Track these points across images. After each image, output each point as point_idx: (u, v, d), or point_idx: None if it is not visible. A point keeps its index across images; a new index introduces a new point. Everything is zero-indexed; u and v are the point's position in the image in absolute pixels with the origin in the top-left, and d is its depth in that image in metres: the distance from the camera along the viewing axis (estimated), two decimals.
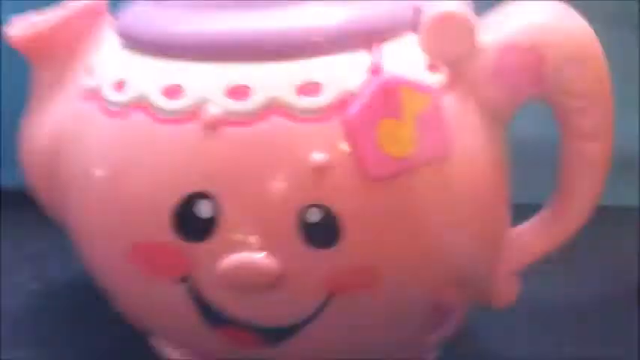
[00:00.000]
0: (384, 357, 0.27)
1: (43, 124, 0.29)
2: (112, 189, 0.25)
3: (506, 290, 0.28)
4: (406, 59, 0.24)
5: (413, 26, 0.25)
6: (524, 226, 0.28)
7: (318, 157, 0.23)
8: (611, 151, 0.26)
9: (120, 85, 0.25)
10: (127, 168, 0.25)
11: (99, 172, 0.25)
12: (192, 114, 0.24)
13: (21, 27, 0.28)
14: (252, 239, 0.23)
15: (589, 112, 0.25)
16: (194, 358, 0.28)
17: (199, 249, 0.24)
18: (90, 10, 0.28)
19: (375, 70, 0.23)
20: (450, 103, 0.24)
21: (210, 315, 0.25)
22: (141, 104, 0.24)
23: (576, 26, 0.25)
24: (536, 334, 0.32)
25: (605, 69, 0.25)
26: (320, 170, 0.23)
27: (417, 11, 0.25)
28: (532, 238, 0.28)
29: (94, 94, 0.26)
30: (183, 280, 0.24)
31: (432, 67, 0.25)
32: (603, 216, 0.28)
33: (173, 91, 0.24)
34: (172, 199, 0.24)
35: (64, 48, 0.28)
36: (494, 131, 0.26)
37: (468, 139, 0.25)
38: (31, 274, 0.36)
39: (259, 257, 0.23)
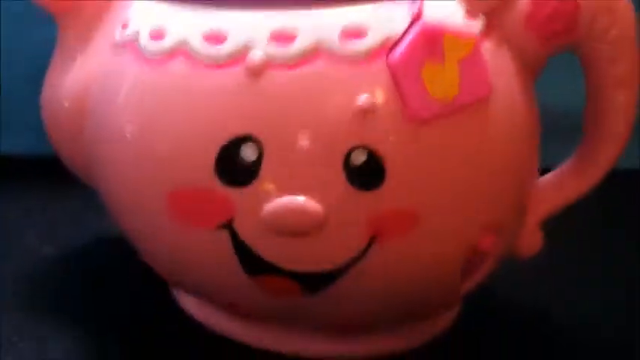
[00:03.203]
0: (419, 306, 0.27)
1: (69, 83, 0.29)
2: (151, 137, 0.25)
3: (532, 241, 0.29)
4: (444, 7, 0.25)
5: None
6: (548, 177, 0.29)
7: (362, 99, 0.23)
8: (637, 99, 0.27)
9: (158, 34, 0.25)
10: (166, 115, 0.25)
11: (136, 122, 0.25)
12: (235, 59, 0.24)
13: None
14: (297, 182, 0.24)
15: (619, 59, 0.26)
16: (223, 312, 0.29)
17: (243, 194, 0.24)
18: None
19: (417, 16, 0.24)
20: (487, 50, 0.25)
21: (251, 263, 0.25)
22: (182, 51, 0.24)
23: None
24: (556, 288, 0.33)
25: (633, 20, 0.26)
26: (364, 112, 0.23)
27: None
28: (557, 188, 0.29)
29: (127, 46, 0.26)
30: (224, 227, 0.25)
31: (469, 15, 0.25)
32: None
33: (216, 37, 0.24)
34: (216, 143, 0.24)
35: (90, 4, 0.28)
36: (528, 80, 0.26)
37: (504, 85, 0.25)
38: (43, 238, 0.35)
39: (304, 200, 0.24)
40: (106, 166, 0.27)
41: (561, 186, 0.29)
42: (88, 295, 0.32)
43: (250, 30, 0.24)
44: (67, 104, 0.28)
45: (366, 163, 0.23)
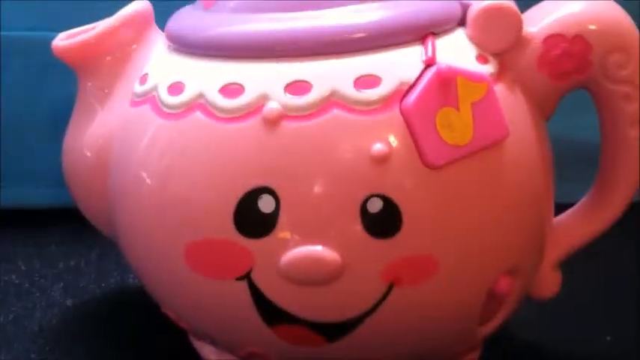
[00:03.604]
0: (439, 351, 0.27)
1: (90, 135, 0.29)
2: (169, 190, 0.25)
3: (550, 281, 0.29)
4: (457, 51, 0.25)
5: (461, 21, 0.26)
6: (564, 217, 0.29)
7: (378, 147, 0.23)
8: None
9: (176, 87, 0.25)
10: (185, 167, 0.25)
11: (155, 175, 0.26)
12: (252, 111, 0.24)
13: (66, 37, 0.29)
14: (314, 232, 0.24)
15: (632, 98, 0.26)
16: None
17: (261, 245, 0.24)
18: (136, 18, 0.28)
19: (430, 62, 0.24)
20: (500, 92, 0.25)
21: (270, 313, 0.25)
22: (199, 104, 0.25)
23: (618, 15, 0.26)
24: (578, 329, 0.32)
25: None
26: (380, 161, 0.23)
27: (465, 7, 0.26)
28: (574, 227, 0.29)
29: (146, 99, 0.26)
30: (243, 278, 0.25)
31: (481, 59, 0.25)
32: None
33: (232, 90, 0.24)
34: (235, 195, 0.24)
35: (110, 57, 0.28)
36: (540, 120, 0.27)
37: (518, 127, 0.25)
38: (65, 290, 0.36)
39: (322, 250, 0.24)
40: (126, 218, 0.27)
41: (578, 226, 0.28)
42: (109, 346, 0.32)
43: (266, 81, 0.24)
44: (89, 154, 0.29)
45: (382, 211, 0.24)
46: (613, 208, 0.28)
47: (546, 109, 0.27)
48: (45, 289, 0.36)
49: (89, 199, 0.30)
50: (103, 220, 0.29)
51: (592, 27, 0.25)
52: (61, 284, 0.36)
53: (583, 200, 0.29)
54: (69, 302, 0.35)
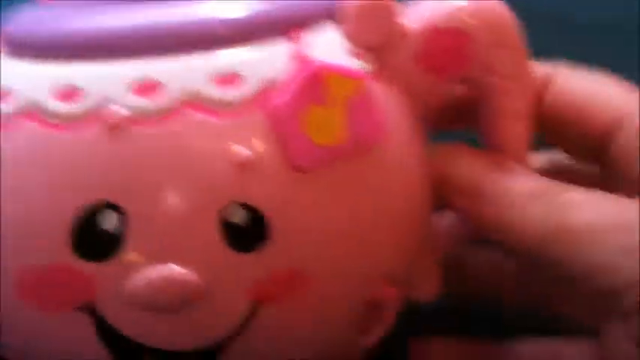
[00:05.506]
0: None
1: None
2: None
3: (430, 281, 0.27)
4: (328, 47, 0.23)
5: (331, 14, 0.23)
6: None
7: (240, 151, 0.21)
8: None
9: (2, 96, 0.22)
10: (15, 184, 0.21)
11: None
12: (93, 117, 0.21)
13: None
14: (168, 249, 0.21)
15: (513, 92, 0.24)
16: None
17: (104, 268, 0.21)
18: None
19: (299, 58, 0.22)
20: (376, 91, 0.23)
21: (119, 347, 0.22)
22: (30, 112, 0.21)
23: (499, 10, 0.24)
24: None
25: (524, 51, 0.25)
26: (243, 166, 0.21)
27: None
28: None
29: None
30: (84, 308, 0.21)
31: (355, 55, 0.23)
32: None
33: (69, 94, 0.21)
34: (70, 213, 0.21)
35: None
36: (418, 122, 0.24)
37: (395, 128, 0.23)
38: None
39: (177, 270, 0.21)
40: None
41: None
42: None
43: (108, 82, 0.21)
44: None
45: (246, 222, 0.21)
46: None
47: (430, 106, 0.24)
48: None
49: None
50: None
51: (473, 22, 0.24)
52: None
53: None
54: None
